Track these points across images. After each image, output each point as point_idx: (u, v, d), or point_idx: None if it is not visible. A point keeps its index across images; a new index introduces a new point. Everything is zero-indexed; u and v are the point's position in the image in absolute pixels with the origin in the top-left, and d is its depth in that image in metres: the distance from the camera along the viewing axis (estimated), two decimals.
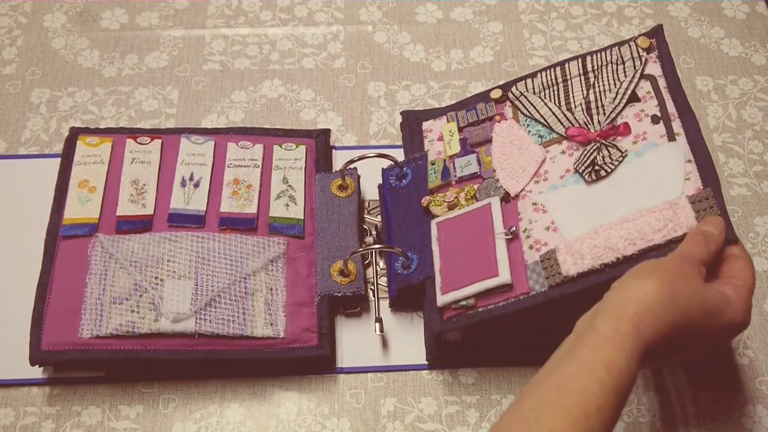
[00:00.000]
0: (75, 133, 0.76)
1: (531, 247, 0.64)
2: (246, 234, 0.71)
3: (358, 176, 0.75)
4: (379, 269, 0.73)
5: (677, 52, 0.88)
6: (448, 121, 0.75)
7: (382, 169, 0.76)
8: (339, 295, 0.69)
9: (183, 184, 0.73)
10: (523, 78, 0.74)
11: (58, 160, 0.75)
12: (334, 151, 0.81)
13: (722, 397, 0.68)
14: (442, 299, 0.65)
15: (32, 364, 0.65)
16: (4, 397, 0.67)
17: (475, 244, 0.66)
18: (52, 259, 0.69)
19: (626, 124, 0.66)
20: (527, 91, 0.72)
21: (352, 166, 0.74)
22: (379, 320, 0.69)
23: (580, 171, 0.65)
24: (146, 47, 0.88)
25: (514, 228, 0.65)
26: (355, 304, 0.71)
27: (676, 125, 0.64)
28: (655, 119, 0.65)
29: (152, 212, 0.72)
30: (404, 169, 0.74)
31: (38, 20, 0.89)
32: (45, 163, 0.78)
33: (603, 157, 0.65)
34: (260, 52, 0.88)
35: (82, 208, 0.71)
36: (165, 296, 0.66)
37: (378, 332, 0.68)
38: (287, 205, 0.73)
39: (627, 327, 0.48)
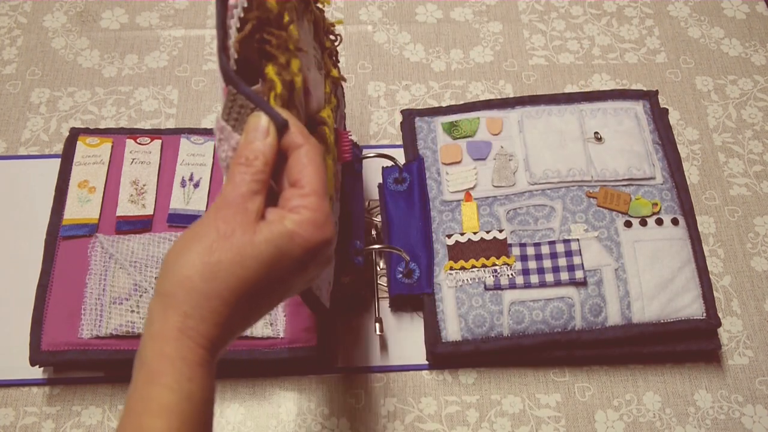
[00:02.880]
0: (75, 134, 0.76)
1: None
2: None
3: None
4: (379, 269, 0.73)
5: (677, 52, 0.88)
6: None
7: (383, 168, 0.76)
8: (339, 295, 0.69)
9: (183, 184, 0.73)
10: None
11: (58, 160, 0.75)
12: None
13: (722, 397, 0.68)
14: None
15: (32, 364, 0.65)
16: (4, 397, 0.67)
17: None
18: (52, 260, 0.69)
19: None
20: None
21: None
22: (379, 320, 0.69)
23: None
24: (146, 47, 0.87)
25: None
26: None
27: None
28: None
29: (152, 212, 0.72)
30: (404, 174, 0.75)
31: (38, 20, 0.89)
32: (45, 163, 0.78)
33: None
34: None
35: (82, 208, 0.71)
36: None
37: (378, 332, 0.68)
38: None
39: (170, 348, 0.40)
